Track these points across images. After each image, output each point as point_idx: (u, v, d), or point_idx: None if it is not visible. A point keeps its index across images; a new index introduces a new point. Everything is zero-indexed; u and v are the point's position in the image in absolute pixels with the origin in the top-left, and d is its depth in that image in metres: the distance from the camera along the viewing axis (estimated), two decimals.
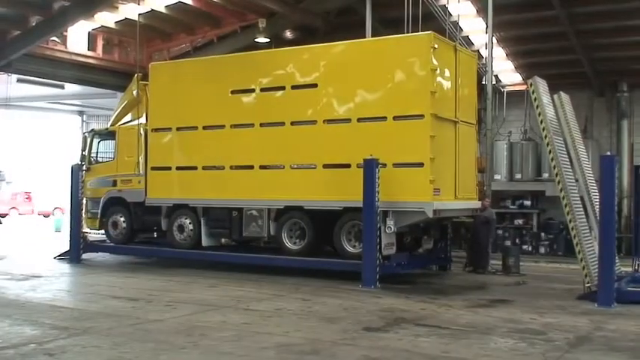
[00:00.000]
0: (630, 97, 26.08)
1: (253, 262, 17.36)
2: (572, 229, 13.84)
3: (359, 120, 15.59)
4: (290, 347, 9.02)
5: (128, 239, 19.58)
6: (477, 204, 17.29)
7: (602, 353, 9.01)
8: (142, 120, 19.04)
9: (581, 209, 14.46)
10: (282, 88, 16.62)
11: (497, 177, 25.46)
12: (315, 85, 16.16)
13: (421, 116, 14.82)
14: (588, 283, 13.44)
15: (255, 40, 23.75)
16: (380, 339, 9.68)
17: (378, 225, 14.61)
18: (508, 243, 24.40)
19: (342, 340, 9.54)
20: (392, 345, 9.30)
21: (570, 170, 14.69)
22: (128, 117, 19.75)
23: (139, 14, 21.88)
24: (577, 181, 15.01)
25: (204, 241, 17.83)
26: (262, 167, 16.89)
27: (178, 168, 18.13)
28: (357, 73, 15.73)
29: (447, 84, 15.61)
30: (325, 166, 15.95)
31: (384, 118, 15.27)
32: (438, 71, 15.02)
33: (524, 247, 24.90)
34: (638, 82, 26.01)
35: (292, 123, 16.41)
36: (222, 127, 17.41)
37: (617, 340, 9.82)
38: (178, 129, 18.14)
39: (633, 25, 23.28)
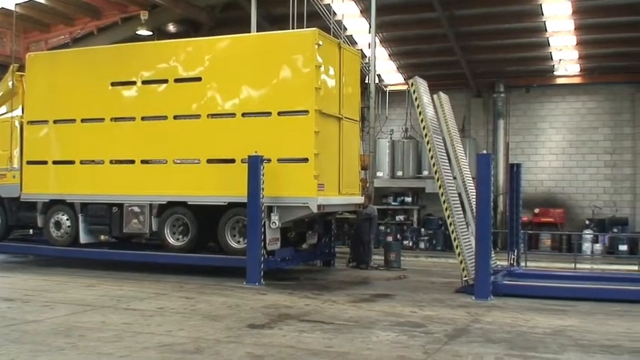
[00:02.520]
0: (506, 97, 27.25)
1: (134, 260, 16.97)
2: (451, 224, 14.26)
3: (244, 115, 15.50)
4: (172, 347, 8.84)
5: (2, 236, 18.69)
6: (360, 199, 17.53)
7: (479, 345, 9.28)
8: (18, 112, 18.22)
9: (459, 205, 14.93)
10: (165, 81, 16.30)
11: (379, 174, 26.01)
12: (199, 79, 15.94)
13: (305, 112, 14.89)
14: (466, 276, 13.88)
15: (137, 32, 23.21)
16: (264, 336, 9.63)
17: (263, 220, 14.58)
18: (390, 238, 24.92)
19: (226, 338, 9.45)
20: (276, 341, 9.27)
21: (449, 168, 15.13)
22: (3, 109, 18.79)
23: (16, 4, 20.95)
24: (455, 178, 15.48)
25: (83, 238, 17.23)
26: (144, 162, 16.48)
27: (55, 162, 17.45)
28: (242, 67, 15.63)
29: (331, 81, 15.75)
30: (209, 161, 15.76)
31: (269, 114, 15.24)
32: (322, 68, 15.13)
33: (405, 242, 25.54)
34: (513, 84, 27.20)
35: (175, 117, 16.15)
36: (102, 120, 16.89)
37: (494, 331, 10.16)
38: (55, 122, 17.46)
39: (509, 29, 24.29)
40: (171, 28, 25.24)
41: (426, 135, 14.75)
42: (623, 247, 24.09)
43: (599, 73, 26.28)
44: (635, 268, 19.70)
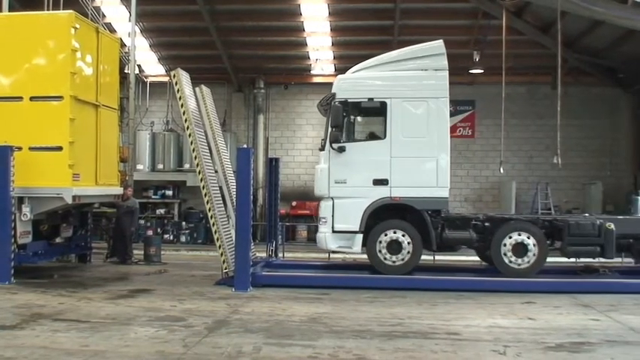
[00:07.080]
0: (266, 93, 27.91)
1: None
2: (212, 217, 14.28)
3: None
4: None
5: None
6: (118, 190, 17.03)
7: (238, 335, 9.41)
8: None
9: (220, 199, 15.00)
10: None
11: (139, 167, 25.49)
12: None
13: (60, 98, 14.18)
14: (226, 269, 13.98)
15: None
16: (15, 337, 9.08)
17: (13, 213, 13.69)
18: (150, 232, 24.45)
19: None
20: (28, 342, 8.77)
21: (210, 161, 15.15)
22: None
23: None
24: (216, 171, 15.54)
25: None
26: None
27: None
28: None
29: (88, 66, 15.13)
30: None
31: (20, 99, 14.32)
32: (79, 53, 14.50)
33: (166, 236, 25.29)
34: (273, 80, 27.90)
35: None
36: None
37: (253, 321, 10.35)
38: None
39: (270, 26, 24.89)
40: None
41: (187, 127, 14.63)
42: None
43: None
44: None
